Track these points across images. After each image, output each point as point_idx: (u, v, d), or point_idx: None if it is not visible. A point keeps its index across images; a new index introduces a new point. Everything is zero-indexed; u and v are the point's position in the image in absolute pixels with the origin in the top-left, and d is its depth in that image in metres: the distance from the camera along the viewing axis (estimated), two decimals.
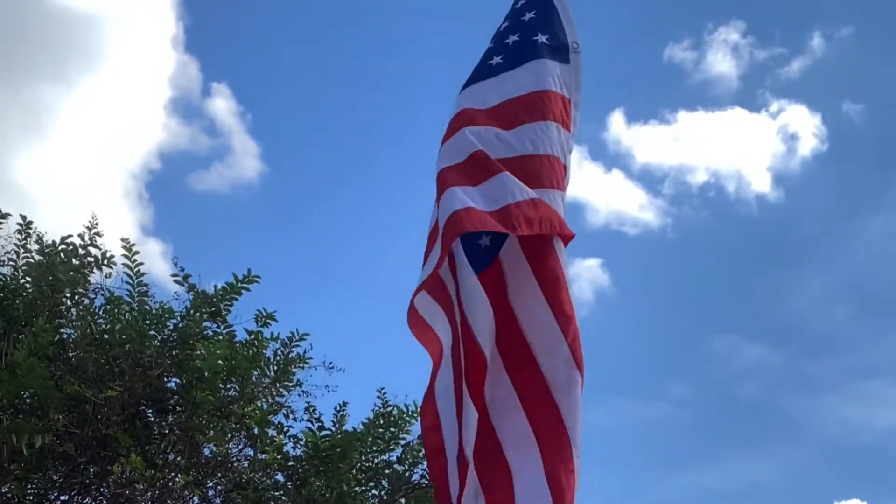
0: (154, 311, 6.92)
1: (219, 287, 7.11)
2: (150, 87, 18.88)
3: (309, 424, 7.34)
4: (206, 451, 7.01)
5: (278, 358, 7.25)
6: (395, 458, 7.37)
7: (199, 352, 6.79)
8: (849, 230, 19.60)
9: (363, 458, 7.23)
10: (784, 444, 16.99)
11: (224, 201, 18.58)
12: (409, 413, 7.26)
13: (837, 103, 19.82)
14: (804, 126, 20.50)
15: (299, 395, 7.39)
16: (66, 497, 6.83)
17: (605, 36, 18.66)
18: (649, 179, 20.39)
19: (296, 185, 18.90)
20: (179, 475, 6.83)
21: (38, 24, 16.69)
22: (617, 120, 19.86)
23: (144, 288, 7.18)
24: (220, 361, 6.53)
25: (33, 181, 17.13)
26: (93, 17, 18.12)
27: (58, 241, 7.11)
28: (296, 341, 7.28)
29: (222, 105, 18.80)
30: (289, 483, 7.19)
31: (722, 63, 19.50)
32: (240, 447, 7.20)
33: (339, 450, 6.97)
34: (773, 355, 18.62)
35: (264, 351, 7.12)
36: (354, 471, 7.17)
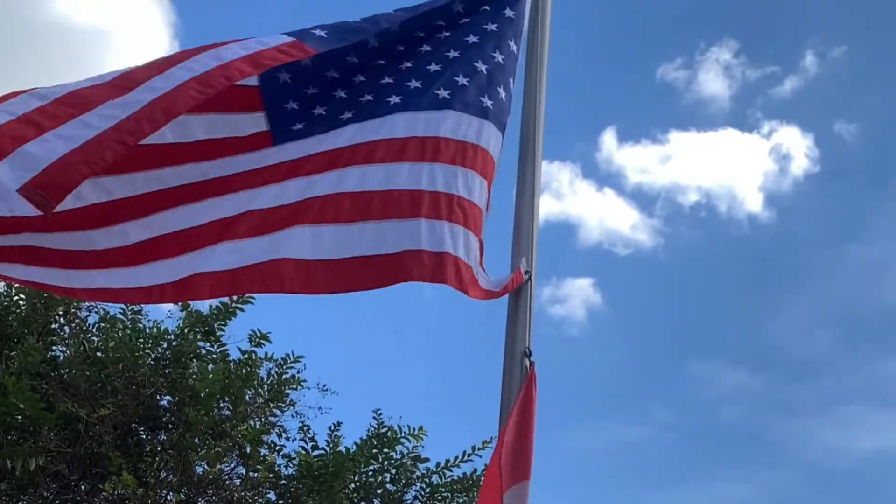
0: (148, 331, 6.93)
1: (213, 307, 7.13)
2: None
3: (303, 444, 7.35)
4: (199, 470, 7.00)
5: (272, 378, 7.26)
6: (388, 479, 7.37)
7: (192, 370, 6.80)
8: (835, 254, 19.66)
9: (356, 477, 7.22)
10: (765, 468, 17.01)
11: None
12: (403, 434, 7.27)
13: (830, 123, 19.90)
14: (796, 146, 20.58)
15: (293, 416, 7.41)
16: None
17: (598, 55, 18.74)
18: (641, 199, 20.42)
19: None
20: (171, 493, 6.82)
21: (37, 38, 16.75)
22: (609, 139, 19.92)
23: (138, 306, 7.18)
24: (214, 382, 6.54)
25: None
26: (92, 31, 18.19)
27: None
28: (290, 363, 7.29)
29: None
30: (281, 501, 7.18)
31: (714, 83, 19.58)
32: (232, 465, 7.20)
33: (331, 469, 6.97)
34: (755, 379, 18.66)
35: (258, 370, 7.13)
36: (347, 490, 7.17)
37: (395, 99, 3.35)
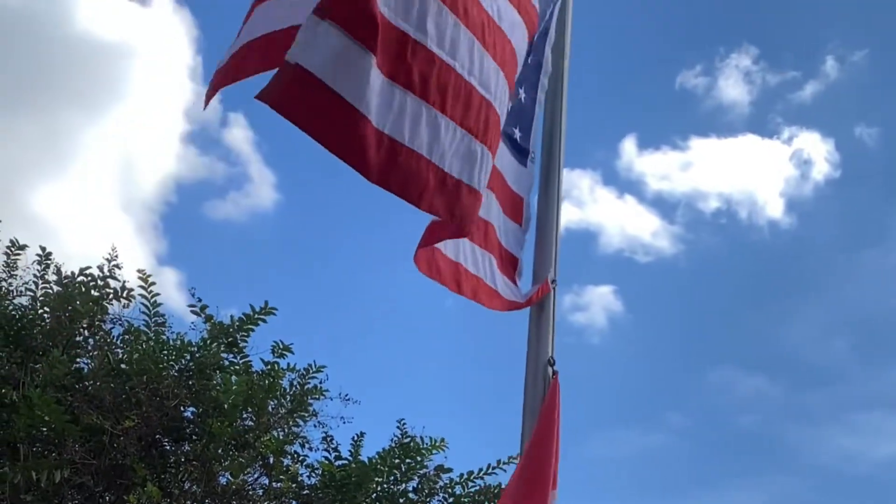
0: (171, 343, 6.96)
1: (235, 318, 7.15)
2: (168, 117, 19.03)
3: (326, 454, 7.37)
4: (222, 480, 7.01)
5: (294, 388, 7.27)
6: (411, 488, 7.36)
7: (215, 382, 6.83)
8: (854, 260, 19.54)
9: (378, 487, 7.22)
10: (782, 475, 16.93)
11: (240, 230, 18.64)
12: (425, 445, 7.26)
13: (850, 127, 19.78)
14: (817, 151, 20.48)
15: (315, 426, 7.43)
16: None
17: (617, 63, 18.71)
18: (662, 206, 20.34)
19: (311, 215, 18.92)
20: None
21: (59, 54, 16.88)
22: (629, 146, 19.88)
23: (162, 318, 7.23)
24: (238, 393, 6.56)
25: (52, 210, 17.25)
26: (115, 46, 18.29)
27: (76, 271, 7.17)
28: (313, 373, 7.31)
29: (239, 134, 18.92)
30: None
31: (734, 89, 19.51)
32: (255, 476, 7.21)
33: (354, 479, 6.97)
34: (772, 386, 18.57)
35: (281, 381, 7.14)
36: (370, 500, 7.16)
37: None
